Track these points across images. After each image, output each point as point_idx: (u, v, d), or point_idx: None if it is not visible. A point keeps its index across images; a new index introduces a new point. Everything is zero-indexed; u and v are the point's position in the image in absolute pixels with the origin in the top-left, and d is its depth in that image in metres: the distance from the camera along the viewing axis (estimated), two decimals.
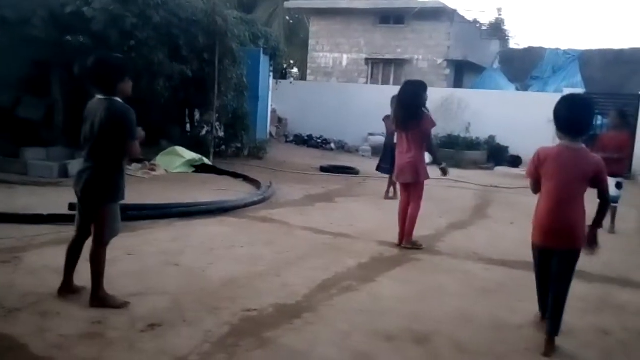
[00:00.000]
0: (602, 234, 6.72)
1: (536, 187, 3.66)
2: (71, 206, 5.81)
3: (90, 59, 3.65)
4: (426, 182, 5.96)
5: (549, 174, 3.54)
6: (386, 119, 9.07)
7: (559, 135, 3.59)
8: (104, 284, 3.71)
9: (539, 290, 3.81)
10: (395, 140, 6.47)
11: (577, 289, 4.46)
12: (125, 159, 3.73)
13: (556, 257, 3.52)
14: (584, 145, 3.58)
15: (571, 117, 3.53)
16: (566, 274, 3.51)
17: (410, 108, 5.77)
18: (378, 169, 9.36)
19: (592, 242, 3.56)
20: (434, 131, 6.12)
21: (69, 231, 4.86)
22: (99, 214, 3.67)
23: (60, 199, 6.11)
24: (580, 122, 3.56)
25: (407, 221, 5.84)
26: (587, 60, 19.84)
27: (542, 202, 3.59)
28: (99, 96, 3.64)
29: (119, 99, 3.63)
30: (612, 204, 7.24)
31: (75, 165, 8.86)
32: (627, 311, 4.35)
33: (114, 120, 3.53)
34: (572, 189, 3.48)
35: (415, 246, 5.82)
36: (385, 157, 8.96)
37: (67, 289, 3.80)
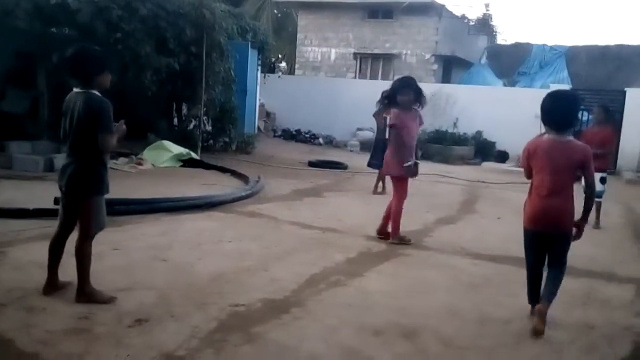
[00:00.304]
0: (587, 229, 6.81)
1: (529, 175, 3.91)
2: (57, 200, 5.74)
3: (70, 50, 3.62)
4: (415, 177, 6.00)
5: (539, 166, 3.75)
6: (376, 114, 9.07)
7: (547, 129, 3.77)
8: (90, 279, 3.68)
9: (530, 278, 3.91)
10: (387, 136, 6.46)
11: (563, 283, 4.51)
12: (106, 152, 3.69)
13: (550, 240, 3.79)
14: (571, 137, 3.76)
15: (557, 111, 3.74)
16: (561, 254, 3.81)
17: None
18: (369, 164, 9.36)
19: (578, 234, 3.81)
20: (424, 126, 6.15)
21: (55, 226, 4.83)
22: (84, 207, 3.64)
23: (46, 193, 6.03)
24: (565, 117, 3.76)
25: (390, 217, 5.87)
26: (574, 56, 20.00)
27: (534, 191, 3.81)
28: (76, 89, 3.62)
29: (96, 92, 3.60)
30: (597, 199, 7.34)
31: (61, 159, 8.77)
32: (612, 305, 4.40)
33: (91, 113, 3.51)
34: (561, 178, 3.71)
35: (403, 241, 5.83)
36: (376, 153, 8.97)
37: (52, 286, 3.76)
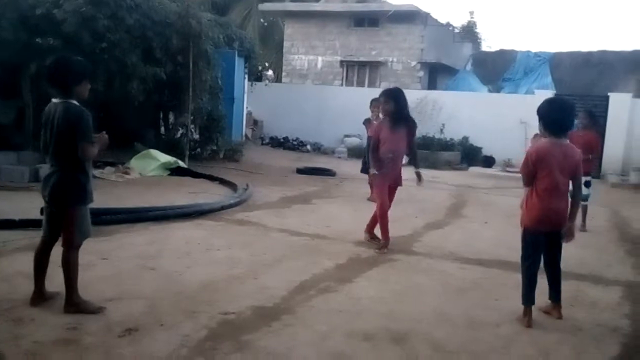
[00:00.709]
0: (577, 233, 6.83)
1: (530, 181, 4.02)
2: (43, 211, 5.71)
3: (49, 60, 3.63)
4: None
5: (548, 169, 3.90)
6: (367, 122, 9.10)
7: (544, 133, 3.98)
8: (78, 289, 3.66)
9: (532, 278, 3.97)
10: None
11: None
12: (88, 161, 3.67)
13: (550, 239, 4.02)
14: (567, 140, 4.01)
15: (558, 117, 3.96)
16: (558, 252, 4.10)
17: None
18: (363, 171, 9.33)
19: (570, 236, 4.04)
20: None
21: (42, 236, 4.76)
22: (68, 217, 3.62)
23: (31, 204, 5.97)
24: (565, 121, 4.03)
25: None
26: (558, 63, 20.24)
27: (543, 193, 3.93)
28: (54, 100, 3.62)
29: (75, 102, 3.60)
30: (583, 202, 7.42)
31: (47, 170, 8.70)
32: (600, 307, 4.44)
33: (70, 123, 3.51)
34: (565, 180, 3.95)
35: (373, 240, 5.99)
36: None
37: (40, 297, 3.72)
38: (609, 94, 15.20)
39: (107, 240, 5.37)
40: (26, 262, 4.14)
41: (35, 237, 4.92)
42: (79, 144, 3.50)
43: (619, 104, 14.62)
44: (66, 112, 3.52)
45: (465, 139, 16.07)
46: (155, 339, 3.31)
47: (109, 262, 4.76)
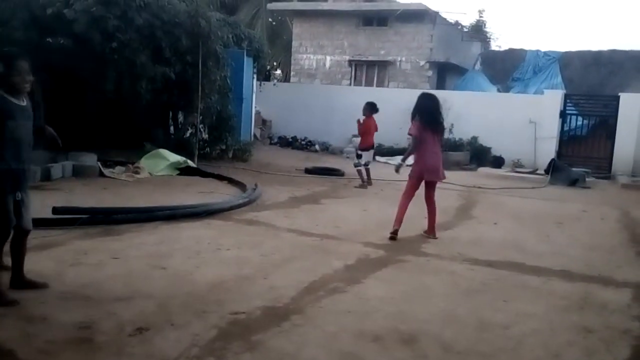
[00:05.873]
0: (580, 233, 6.82)
1: None
2: (55, 210, 5.76)
3: None
4: None
5: None
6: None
7: None
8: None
9: None
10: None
11: (559, 287, 4.54)
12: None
13: None
14: None
15: None
16: None
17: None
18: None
19: None
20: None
21: (53, 235, 4.81)
22: None
23: (43, 202, 6.03)
24: None
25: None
26: (567, 62, 20.10)
27: None
28: None
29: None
30: None
31: (58, 169, 8.76)
32: (609, 309, 4.42)
33: None
34: None
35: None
36: None
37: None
38: (619, 94, 15.10)
39: (117, 239, 5.41)
40: (37, 261, 4.20)
41: (46, 236, 4.99)
42: None
43: (629, 104, 14.50)
44: None
45: (475, 139, 16.01)
46: (166, 338, 3.34)
47: (120, 261, 4.79)
